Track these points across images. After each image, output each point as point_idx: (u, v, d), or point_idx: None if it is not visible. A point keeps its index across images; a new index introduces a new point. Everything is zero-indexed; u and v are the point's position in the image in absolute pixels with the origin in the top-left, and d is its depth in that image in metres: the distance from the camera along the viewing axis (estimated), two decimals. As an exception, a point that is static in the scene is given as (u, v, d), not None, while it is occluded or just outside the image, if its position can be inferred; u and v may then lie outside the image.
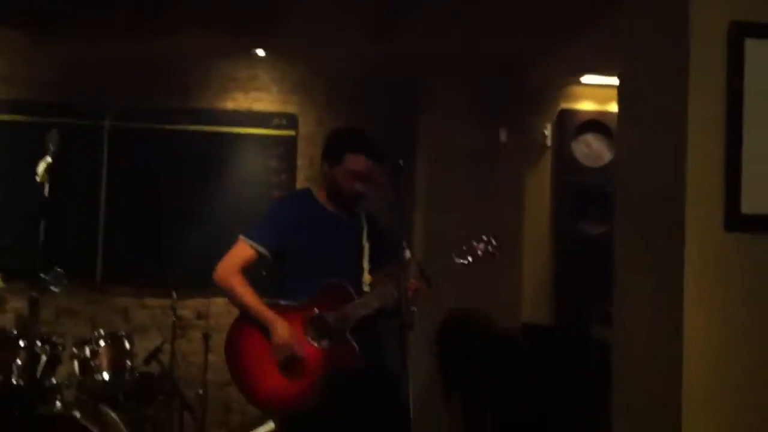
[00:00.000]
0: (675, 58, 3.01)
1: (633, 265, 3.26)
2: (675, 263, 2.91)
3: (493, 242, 3.29)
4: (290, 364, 3.09)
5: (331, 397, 3.05)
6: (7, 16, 5.23)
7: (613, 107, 6.12)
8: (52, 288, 3.76)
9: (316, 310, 3.15)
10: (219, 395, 5.83)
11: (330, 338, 3.12)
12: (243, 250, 3.29)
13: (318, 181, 3.50)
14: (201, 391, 5.39)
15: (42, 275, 3.95)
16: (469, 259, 3.23)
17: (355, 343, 3.08)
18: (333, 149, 3.32)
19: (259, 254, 3.27)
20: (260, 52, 6.06)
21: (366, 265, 3.24)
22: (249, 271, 3.33)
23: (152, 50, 5.89)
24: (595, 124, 6.11)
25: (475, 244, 3.27)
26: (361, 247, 3.29)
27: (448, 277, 3.28)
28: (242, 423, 5.66)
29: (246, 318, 3.25)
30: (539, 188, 6.09)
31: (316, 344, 3.12)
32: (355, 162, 3.24)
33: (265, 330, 3.15)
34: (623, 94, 3.55)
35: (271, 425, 4.86)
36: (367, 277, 3.24)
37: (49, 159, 3.16)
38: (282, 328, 3.11)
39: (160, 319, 5.77)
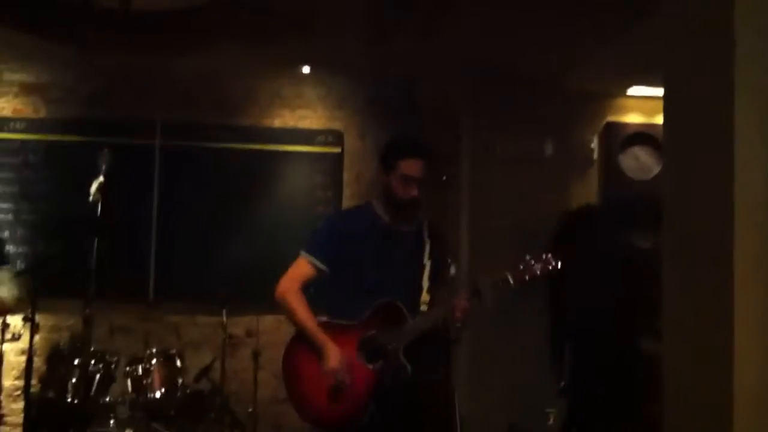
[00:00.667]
0: (719, 62, 2.97)
1: (681, 281, 3.22)
2: (724, 279, 2.87)
3: (552, 261, 3.18)
4: (339, 388, 3.10)
5: (382, 415, 3.06)
6: (56, 31, 5.33)
7: (661, 119, 6.06)
8: None
9: (370, 331, 3.14)
10: (269, 412, 5.87)
11: (383, 359, 3.11)
12: (303, 267, 3.33)
13: (376, 195, 3.46)
14: (251, 409, 5.43)
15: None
16: (526, 278, 3.16)
17: (407, 363, 3.06)
18: (387, 157, 3.31)
19: (319, 270, 3.28)
20: (305, 69, 6.12)
21: (425, 283, 3.16)
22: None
23: (200, 68, 6.00)
24: (643, 136, 6.02)
25: (532, 262, 3.18)
26: (422, 264, 3.20)
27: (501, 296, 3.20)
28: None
29: (302, 336, 3.25)
30: (586, 201, 6.02)
31: (368, 365, 3.12)
32: (408, 166, 3.22)
33: (318, 351, 3.16)
34: (668, 102, 3.49)
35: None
36: (425, 296, 3.16)
37: (101, 178, 3.23)
38: (332, 354, 3.12)
39: (210, 337, 5.82)
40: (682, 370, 3.18)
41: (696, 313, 3.09)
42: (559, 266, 3.17)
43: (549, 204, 5.76)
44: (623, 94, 6.00)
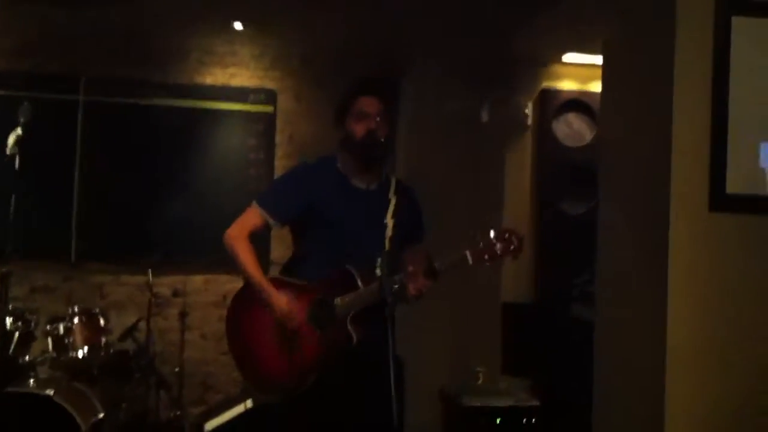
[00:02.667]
0: (661, 36, 2.98)
1: (618, 245, 3.25)
2: (660, 243, 2.90)
3: (514, 241, 2.92)
4: (289, 340, 3.00)
5: (325, 379, 2.97)
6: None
7: (595, 87, 6.11)
8: None
9: (319, 294, 3.01)
10: (196, 373, 5.80)
11: (329, 324, 2.99)
12: (253, 216, 3.15)
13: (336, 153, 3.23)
14: (177, 369, 5.34)
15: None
16: (486, 257, 2.91)
17: (353, 332, 2.94)
18: (342, 103, 3.13)
19: (267, 223, 3.14)
20: (238, 26, 5.95)
21: (386, 245, 2.98)
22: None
23: (128, 21, 5.77)
24: (577, 103, 6.07)
25: (494, 241, 2.91)
26: (382, 224, 3.02)
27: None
28: (220, 401, 5.60)
29: (248, 290, 3.12)
30: (521, 167, 6.05)
31: (315, 328, 3.00)
32: (363, 102, 3.07)
33: (264, 302, 3.04)
34: (607, 72, 3.52)
35: (249, 404, 4.80)
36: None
37: (19, 131, 3.07)
38: (280, 302, 3.00)
39: (136, 297, 5.70)
40: (616, 333, 3.22)
41: (631, 278, 3.13)
42: (521, 246, 2.92)
43: (484, 168, 5.78)
44: (558, 60, 6.02)
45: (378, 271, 3.00)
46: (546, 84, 6.07)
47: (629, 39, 3.28)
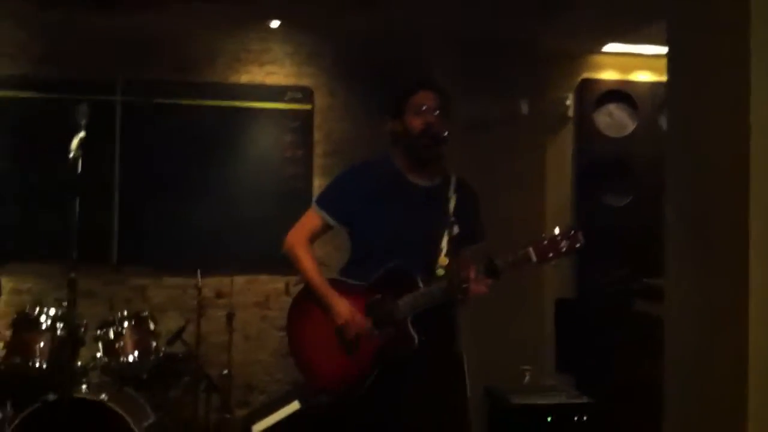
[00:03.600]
0: (735, 21, 2.89)
1: (690, 241, 3.16)
2: (738, 241, 2.81)
3: (580, 239, 2.83)
4: (350, 343, 2.96)
5: (382, 385, 2.92)
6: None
7: (636, 76, 6.05)
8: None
9: (377, 295, 2.96)
10: (241, 374, 5.75)
11: (390, 325, 2.93)
12: (312, 219, 3.13)
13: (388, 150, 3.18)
14: (226, 372, 5.30)
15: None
16: (550, 255, 2.83)
17: (415, 334, 2.89)
18: (397, 100, 3.08)
19: (327, 225, 3.11)
20: (274, 24, 5.90)
21: (444, 245, 2.87)
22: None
23: (163, 22, 5.73)
24: (618, 93, 6.02)
25: (559, 238, 2.83)
26: (442, 224, 2.88)
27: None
28: (265, 402, 5.56)
29: (308, 292, 3.09)
30: (561, 159, 5.98)
31: (375, 330, 2.95)
32: (420, 97, 3.03)
33: (324, 307, 3.01)
34: (673, 63, 3.41)
35: (296, 405, 4.75)
36: (443, 260, 2.88)
37: (82, 133, 3.03)
38: (341, 306, 2.97)
39: (178, 299, 5.66)
40: (685, 332, 3.13)
41: (706, 275, 3.04)
42: (584, 244, 2.83)
43: (525, 161, 5.71)
44: (598, 51, 5.95)
45: (440, 271, 2.93)
46: (586, 74, 6.00)
47: (699, 24, 3.17)
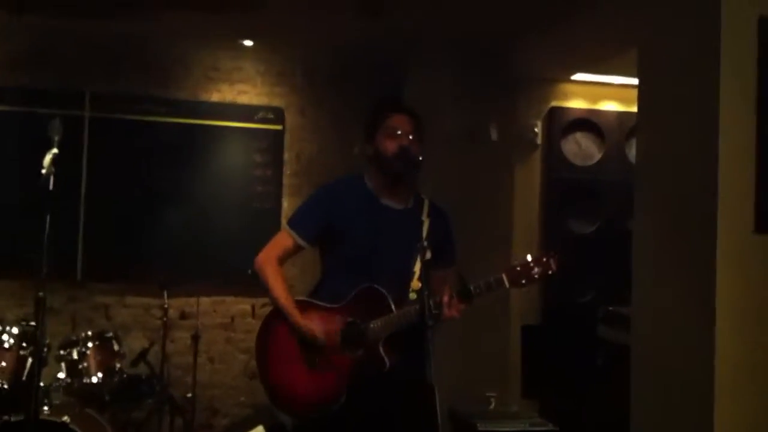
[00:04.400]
0: (703, 54, 2.95)
1: (658, 265, 3.20)
2: (706, 265, 2.86)
3: (552, 266, 2.83)
4: (318, 364, 2.94)
5: (353, 407, 2.89)
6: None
7: (604, 105, 6.13)
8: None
9: (350, 317, 2.94)
10: (205, 397, 5.68)
11: (361, 348, 2.91)
12: (282, 240, 3.10)
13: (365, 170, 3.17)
14: (190, 394, 5.22)
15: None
16: (523, 282, 2.83)
17: (386, 358, 2.87)
18: (371, 121, 3.08)
19: (298, 246, 3.07)
20: (247, 42, 5.89)
21: (417, 268, 2.89)
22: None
23: (133, 37, 5.70)
24: (585, 122, 6.09)
25: (531, 265, 2.83)
26: (416, 247, 2.85)
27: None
28: (228, 426, 5.50)
29: (276, 314, 3.06)
30: (529, 186, 6.03)
31: (346, 352, 2.93)
32: (395, 120, 3.02)
33: (292, 327, 2.98)
34: (643, 89, 3.47)
35: (260, 429, 4.70)
36: (416, 283, 2.90)
37: (55, 150, 2.98)
38: (307, 326, 2.94)
39: (142, 318, 5.59)
40: (659, 354, 3.16)
41: (674, 299, 3.08)
42: (556, 271, 2.83)
43: (493, 186, 5.74)
44: (567, 79, 6.03)
45: (412, 295, 2.94)
46: (555, 102, 6.07)
47: (668, 50, 3.24)
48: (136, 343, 5.38)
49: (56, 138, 3.00)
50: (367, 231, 3.01)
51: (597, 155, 6.09)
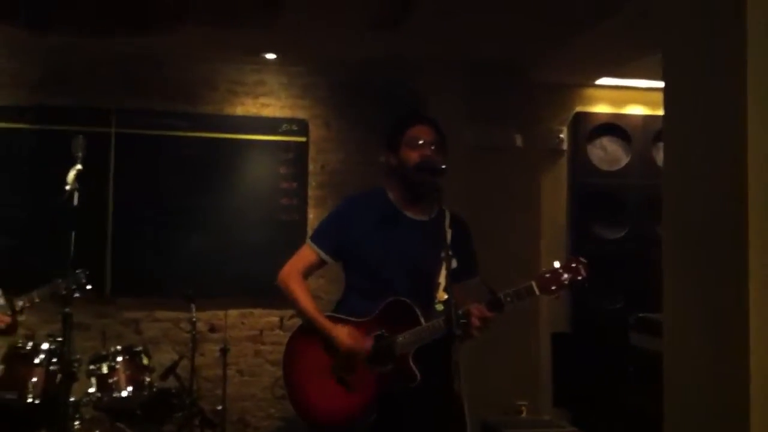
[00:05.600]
0: (730, 56, 2.90)
1: (687, 271, 3.15)
2: (738, 272, 2.80)
3: (582, 271, 2.81)
4: (347, 379, 2.91)
5: (385, 416, 2.87)
6: (6, 12, 5.00)
7: (630, 110, 6.08)
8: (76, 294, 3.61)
9: (378, 331, 2.92)
10: (235, 409, 5.69)
11: (390, 361, 2.88)
12: (307, 255, 3.09)
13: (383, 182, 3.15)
14: (220, 407, 5.23)
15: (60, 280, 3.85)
16: (553, 288, 2.78)
17: (417, 371, 2.84)
18: (393, 134, 3.06)
19: (321, 260, 3.07)
20: (270, 56, 5.91)
21: (442, 279, 2.81)
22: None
23: (157, 53, 5.74)
24: (611, 127, 6.05)
25: (560, 271, 2.79)
26: (440, 258, 2.78)
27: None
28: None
29: (305, 328, 3.04)
30: (555, 192, 5.99)
31: (375, 366, 2.90)
32: (417, 131, 3.01)
33: (323, 341, 2.95)
34: (669, 94, 3.41)
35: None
36: (441, 294, 2.82)
37: (79, 166, 3.01)
38: (342, 335, 2.91)
39: (172, 332, 5.61)
40: (686, 367, 3.10)
41: (704, 306, 3.02)
42: (589, 275, 2.80)
43: (519, 194, 5.71)
44: (592, 84, 5.99)
45: (438, 306, 2.89)
46: (580, 108, 6.03)
47: (693, 53, 3.18)
48: (166, 357, 5.42)
49: (79, 154, 3.03)
50: (390, 244, 2.99)
51: (624, 160, 6.04)
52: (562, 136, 6.02)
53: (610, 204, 5.96)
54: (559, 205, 6.03)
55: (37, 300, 3.87)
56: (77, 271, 3.86)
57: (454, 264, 2.81)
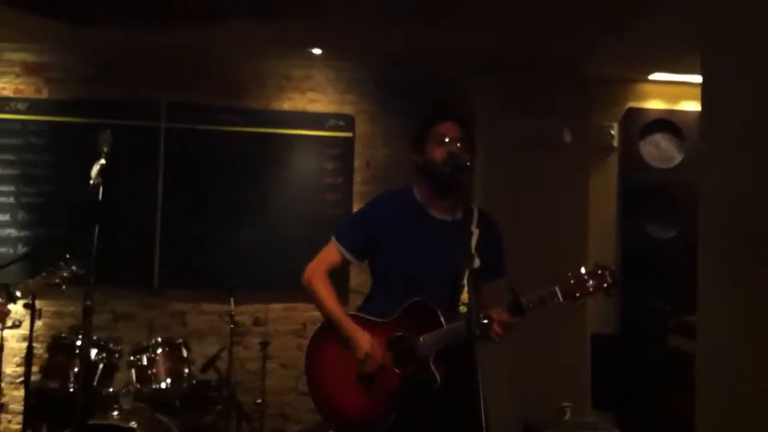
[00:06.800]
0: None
1: (720, 277, 3.05)
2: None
3: (608, 278, 2.67)
4: (368, 379, 2.89)
5: (405, 420, 2.84)
6: (58, 9, 5.09)
7: (683, 106, 5.90)
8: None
9: (399, 332, 2.88)
10: (277, 403, 5.74)
11: (411, 365, 2.85)
12: (331, 253, 3.06)
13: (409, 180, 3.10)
14: (259, 400, 5.28)
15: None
16: (577, 295, 2.66)
17: (437, 374, 2.79)
18: (419, 130, 3.01)
19: (345, 259, 3.05)
20: (316, 51, 5.92)
21: (466, 281, 2.71)
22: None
23: (207, 48, 5.80)
24: (664, 123, 5.88)
25: (586, 277, 2.67)
26: (463, 259, 2.70)
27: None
28: (300, 432, 5.54)
29: (328, 326, 3.03)
30: (605, 190, 5.85)
31: (395, 368, 2.87)
32: (443, 127, 2.95)
33: (345, 341, 2.94)
34: (707, 95, 3.32)
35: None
36: (465, 296, 2.76)
37: (102, 161, 3.03)
38: (362, 341, 2.90)
39: (217, 325, 5.66)
40: (719, 369, 3.01)
41: (736, 311, 2.93)
42: (615, 283, 2.66)
43: (567, 192, 5.60)
44: (645, 79, 5.84)
45: (461, 308, 2.83)
46: (632, 103, 5.88)
47: (731, 58, 3.08)
48: (210, 349, 5.46)
49: (105, 149, 3.04)
50: (414, 244, 2.95)
51: (677, 157, 5.87)
52: (613, 132, 5.87)
53: (662, 202, 5.79)
54: (609, 203, 5.89)
55: (32, 287, 3.95)
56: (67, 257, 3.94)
57: (477, 264, 2.78)
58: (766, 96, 2.82)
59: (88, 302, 2.97)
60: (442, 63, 5.74)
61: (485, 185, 5.61)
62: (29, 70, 5.94)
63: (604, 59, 5.47)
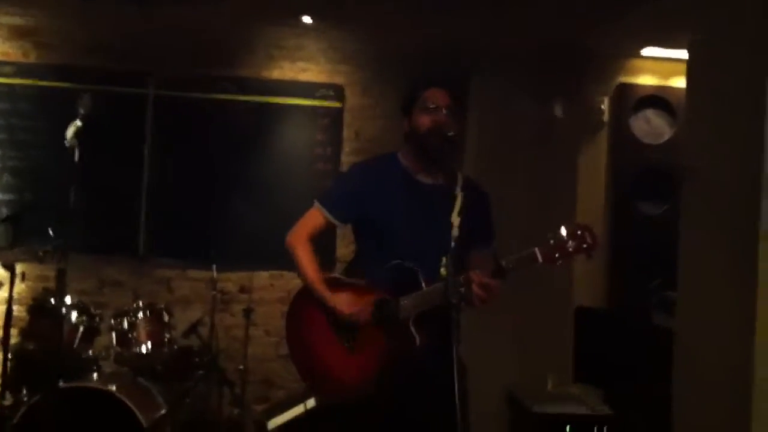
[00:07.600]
0: (755, 38, 2.77)
1: (702, 252, 3.04)
2: (749, 253, 2.69)
3: (588, 239, 2.65)
4: (349, 342, 2.91)
5: (386, 381, 2.85)
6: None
7: (676, 82, 5.85)
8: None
9: (381, 294, 2.89)
10: (259, 369, 5.76)
11: (391, 325, 2.85)
12: (314, 218, 3.08)
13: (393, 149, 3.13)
14: (242, 366, 5.29)
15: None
16: (556, 256, 2.64)
17: (416, 334, 2.80)
18: (407, 97, 3.01)
19: (329, 223, 3.05)
20: (306, 20, 5.87)
21: (451, 244, 2.71)
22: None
23: (197, 16, 5.75)
24: (656, 99, 5.81)
25: (565, 238, 2.65)
26: (448, 223, 2.74)
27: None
28: (283, 399, 5.54)
29: (305, 292, 3.04)
30: (595, 165, 5.82)
31: (376, 329, 2.88)
32: (431, 95, 2.94)
33: (321, 304, 2.95)
34: (692, 74, 3.29)
35: (311, 403, 4.72)
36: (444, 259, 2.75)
37: (78, 123, 3.01)
38: (336, 303, 2.91)
39: (203, 292, 5.67)
40: (696, 345, 3.01)
41: (717, 289, 2.92)
42: (595, 243, 2.64)
43: (556, 166, 5.58)
44: (637, 54, 5.78)
45: (443, 271, 2.82)
46: (623, 79, 5.83)
47: (719, 39, 3.05)
48: (196, 315, 5.46)
49: (83, 111, 3.03)
50: (400, 208, 2.96)
51: (668, 133, 5.82)
52: (603, 107, 5.83)
53: (652, 178, 5.76)
54: (598, 179, 5.86)
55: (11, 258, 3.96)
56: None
57: (458, 229, 2.77)
58: (751, 93, 2.80)
59: (62, 264, 2.97)
60: (437, 36, 5.69)
61: (477, 157, 5.61)
62: (17, 33, 5.91)
63: (597, 34, 5.42)
